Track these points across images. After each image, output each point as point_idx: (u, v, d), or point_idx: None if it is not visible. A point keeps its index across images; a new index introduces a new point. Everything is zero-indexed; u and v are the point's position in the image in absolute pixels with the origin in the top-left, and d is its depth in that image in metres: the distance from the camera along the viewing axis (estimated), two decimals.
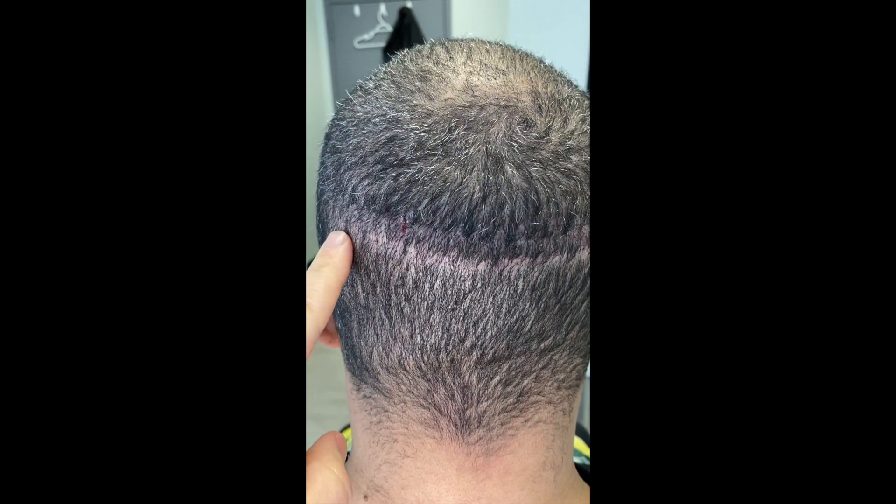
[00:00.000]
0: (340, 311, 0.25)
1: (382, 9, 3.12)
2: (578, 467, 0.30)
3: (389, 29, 3.12)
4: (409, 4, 3.09)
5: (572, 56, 1.62)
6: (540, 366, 0.23)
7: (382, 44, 3.15)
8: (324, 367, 2.34)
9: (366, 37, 3.19)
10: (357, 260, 0.22)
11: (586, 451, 0.53)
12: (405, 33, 3.04)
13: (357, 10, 3.17)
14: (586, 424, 1.49)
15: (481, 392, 0.23)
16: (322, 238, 0.24)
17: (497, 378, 0.23)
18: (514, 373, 0.23)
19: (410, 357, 0.22)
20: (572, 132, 0.21)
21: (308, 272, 0.22)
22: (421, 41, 0.25)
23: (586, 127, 0.22)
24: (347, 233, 0.22)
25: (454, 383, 0.23)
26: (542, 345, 0.22)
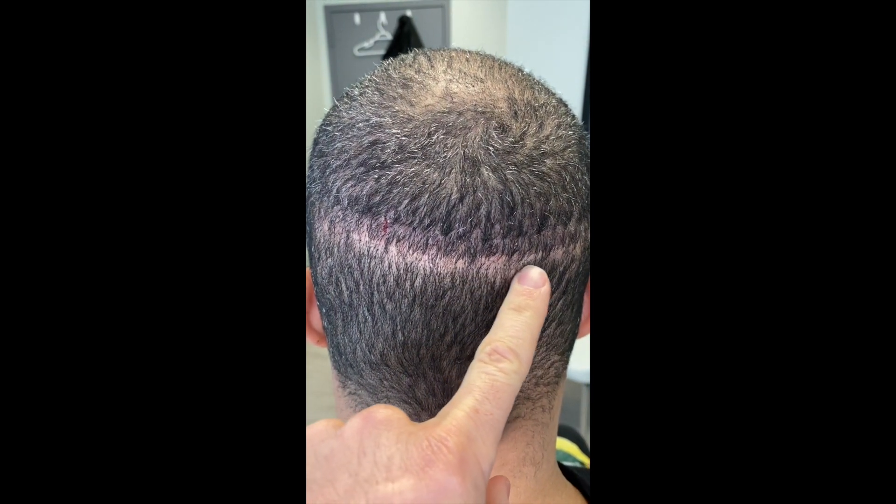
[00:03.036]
0: (326, 310, 0.25)
1: (382, 17, 3.15)
2: (570, 469, 0.30)
3: (389, 37, 3.15)
4: (408, 13, 3.12)
5: (570, 62, 1.64)
6: None
7: (382, 52, 3.17)
8: (320, 373, 2.34)
9: (366, 44, 3.22)
10: (341, 259, 0.23)
11: (582, 457, 0.54)
12: (405, 41, 3.06)
13: (357, 18, 3.20)
14: (585, 432, 1.48)
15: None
16: (309, 239, 0.25)
17: None
18: None
19: (393, 353, 0.23)
20: (547, 137, 0.22)
21: (506, 310, 0.21)
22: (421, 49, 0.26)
23: (561, 132, 0.23)
24: (332, 232, 0.23)
25: (435, 379, 0.23)
26: None
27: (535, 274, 0.21)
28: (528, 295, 0.21)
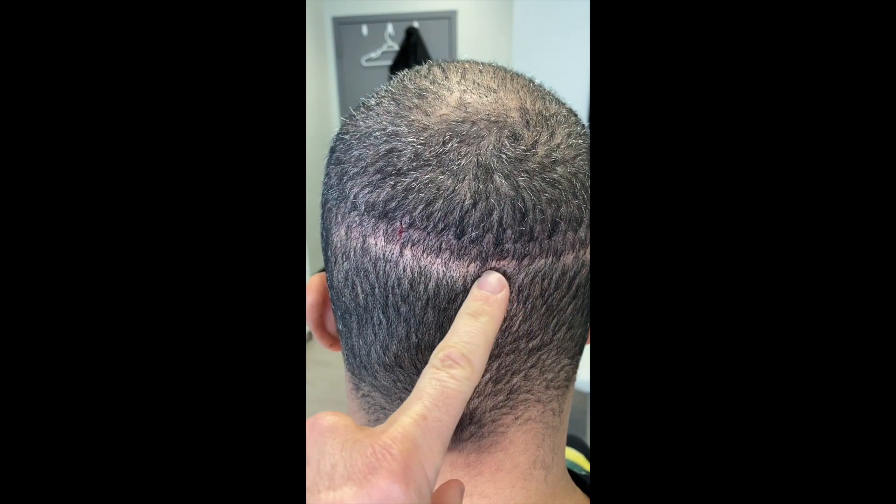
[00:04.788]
0: (341, 313, 0.26)
1: (389, 28, 3.19)
2: (578, 475, 0.31)
3: (396, 48, 3.18)
4: (415, 24, 3.15)
5: (576, 73, 1.65)
6: (528, 364, 0.24)
7: (389, 62, 3.21)
8: (325, 381, 2.34)
9: (373, 55, 3.26)
10: (357, 263, 0.24)
11: (586, 465, 0.54)
12: (411, 52, 3.10)
13: (365, 29, 3.24)
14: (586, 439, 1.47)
15: None
16: (326, 244, 0.26)
17: (487, 375, 0.24)
18: (503, 371, 0.24)
19: (406, 355, 0.24)
20: (558, 145, 0.23)
21: (463, 315, 0.21)
22: (427, 60, 0.27)
23: (571, 141, 0.23)
24: (349, 237, 0.24)
25: None
26: (530, 344, 0.24)
27: (494, 280, 0.21)
28: (485, 300, 0.21)
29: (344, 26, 3.26)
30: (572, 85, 1.65)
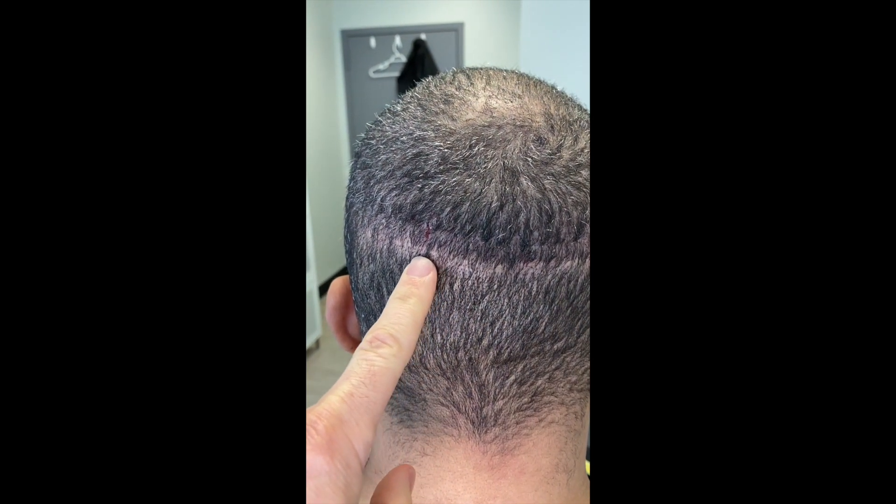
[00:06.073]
0: (365, 315, 0.26)
1: (397, 40, 3.23)
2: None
3: (403, 59, 3.22)
4: (423, 36, 3.19)
5: (582, 85, 1.66)
6: (553, 367, 0.24)
7: (396, 73, 3.24)
8: None
9: (380, 66, 3.29)
10: (383, 264, 0.24)
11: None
12: (419, 63, 3.13)
13: (373, 41, 3.28)
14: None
15: (497, 390, 0.24)
16: (350, 247, 0.26)
17: (512, 377, 0.24)
18: (528, 372, 0.24)
19: (431, 356, 0.24)
20: (582, 149, 0.23)
21: (393, 299, 0.22)
22: (434, 71, 0.28)
23: None
24: (375, 239, 0.24)
25: (472, 381, 0.24)
26: (555, 346, 0.24)
27: (421, 264, 0.22)
28: (413, 283, 0.22)
29: (352, 38, 3.30)
30: (580, 96, 1.65)
